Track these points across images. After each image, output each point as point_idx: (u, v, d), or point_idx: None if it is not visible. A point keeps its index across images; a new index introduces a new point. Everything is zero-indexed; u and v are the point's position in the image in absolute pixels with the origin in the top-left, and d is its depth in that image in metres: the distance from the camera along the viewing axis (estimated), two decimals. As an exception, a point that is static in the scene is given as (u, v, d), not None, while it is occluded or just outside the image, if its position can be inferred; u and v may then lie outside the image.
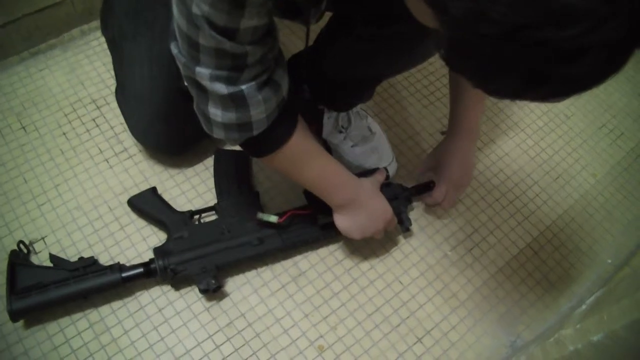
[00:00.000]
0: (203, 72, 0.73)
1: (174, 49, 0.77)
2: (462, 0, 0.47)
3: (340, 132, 1.18)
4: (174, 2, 0.69)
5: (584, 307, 1.13)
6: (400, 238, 1.18)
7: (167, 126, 1.10)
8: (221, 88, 0.74)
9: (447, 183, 1.12)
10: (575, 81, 0.50)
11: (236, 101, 0.76)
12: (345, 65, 0.99)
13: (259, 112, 0.79)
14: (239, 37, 0.69)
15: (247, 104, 0.77)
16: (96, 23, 1.41)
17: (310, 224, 1.08)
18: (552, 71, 0.49)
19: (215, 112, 0.79)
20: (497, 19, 0.46)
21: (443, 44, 0.54)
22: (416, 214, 1.22)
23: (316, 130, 1.19)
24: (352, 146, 1.19)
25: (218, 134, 0.83)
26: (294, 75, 0.85)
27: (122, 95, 1.13)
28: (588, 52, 0.46)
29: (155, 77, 1.05)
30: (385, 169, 1.11)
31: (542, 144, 1.40)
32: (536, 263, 1.21)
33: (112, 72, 1.31)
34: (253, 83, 0.75)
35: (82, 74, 1.34)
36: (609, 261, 1.26)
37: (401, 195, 1.12)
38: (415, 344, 1.08)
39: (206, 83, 0.74)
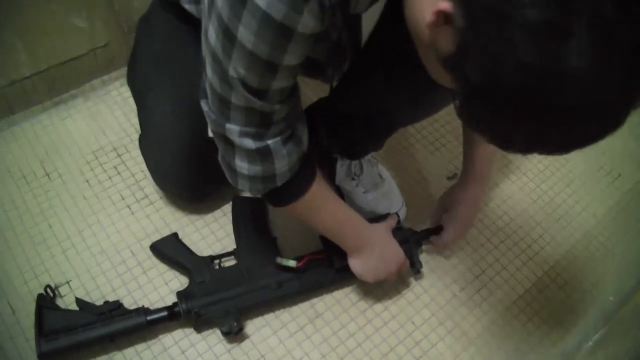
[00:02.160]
0: (233, 129, 0.79)
1: (204, 106, 0.83)
2: (479, 70, 0.54)
3: (353, 179, 1.24)
4: (207, 63, 0.76)
5: (590, 343, 1.17)
6: (412, 280, 1.23)
7: (188, 172, 1.15)
8: (249, 143, 0.80)
9: (455, 229, 1.18)
10: (577, 139, 0.57)
11: (263, 155, 0.82)
12: (361, 115, 1.06)
13: (283, 165, 0.84)
14: (269, 97, 0.75)
15: (272, 158, 0.83)
16: (116, 73, 1.48)
17: (326, 267, 1.13)
18: (556, 131, 0.55)
19: (242, 165, 0.84)
20: (511, 86, 0.52)
21: (458, 101, 0.61)
22: (426, 256, 1.27)
23: (329, 176, 1.25)
24: (364, 192, 1.25)
25: (242, 185, 0.89)
26: (311, 124, 0.91)
27: (145, 141, 1.19)
28: (588, 115, 0.53)
29: (178, 125, 1.10)
30: (397, 214, 1.17)
31: (543, 186, 1.46)
32: (542, 301, 1.26)
33: (132, 121, 1.38)
34: (278, 138, 0.82)
35: (103, 122, 1.40)
36: (612, 298, 1.30)
37: (412, 239, 1.17)
38: (428, 382, 1.12)
39: (235, 138, 0.80)
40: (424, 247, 1.26)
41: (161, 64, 1.12)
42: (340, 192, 1.26)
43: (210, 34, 0.71)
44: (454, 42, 0.56)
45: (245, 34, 0.66)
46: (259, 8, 0.63)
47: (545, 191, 1.45)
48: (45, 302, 1.07)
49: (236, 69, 0.71)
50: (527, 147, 0.59)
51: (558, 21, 0.48)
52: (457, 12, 0.55)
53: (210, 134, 0.89)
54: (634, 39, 0.49)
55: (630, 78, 0.51)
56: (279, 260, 1.10)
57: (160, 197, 1.27)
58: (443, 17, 0.57)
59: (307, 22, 0.65)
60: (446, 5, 0.55)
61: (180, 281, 1.16)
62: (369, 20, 0.83)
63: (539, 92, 0.51)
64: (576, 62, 0.48)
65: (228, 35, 0.68)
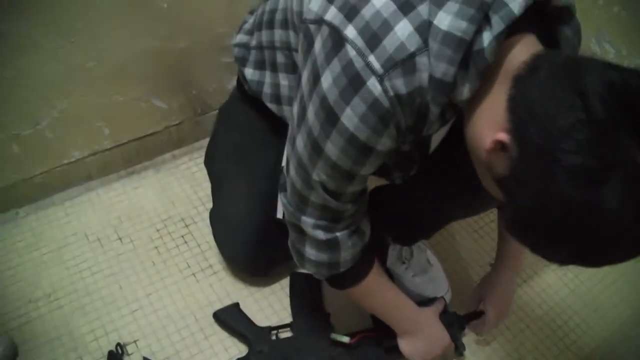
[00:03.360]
0: (307, 221, 0.90)
1: (282, 199, 0.94)
2: (527, 197, 0.65)
3: (403, 262, 1.33)
4: (291, 165, 0.87)
5: None
6: (455, 361, 1.30)
7: (256, 255, 1.26)
8: (320, 234, 0.91)
9: (494, 313, 1.25)
10: (608, 262, 0.67)
11: (331, 246, 0.92)
12: (418, 211, 1.16)
13: (348, 255, 0.95)
14: (343, 198, 0.86)
15: (339, 249, 0.93)
16: (186, 149, 1.62)
17: (376, 346, 1.20)
18: (591, 256, 0.66)
19: (310, 252, 0.95)
20: (554, 216, 0.63)
21: (506, 215, 0.71)
22: (468, 340, 1.33)
23: (381, 258, 1.34)
24: (412, 276, 1.34)
25: (309, 269, 0.99)
26: (369, 209, 1.00)
27: (218, 221, 1.31)
28: (619, 246, 0.62)
29: (252, 212, 1.22)
30: (443, 298, 1.25)
31: (581, 277, 1.53)
32: (578, 391, 1.31)
33: (199, 194, 1.51)
34: (346, 232, 0.92)
35: (172, 194, 1.52)
36: (646, 391, 1.35)
37: (456, 323, 1.25)
38: None
39: (308, 230, 0.91)
40: (465, 330, 1.33)
41: (243, 154, 1.25)
42: (391, 275, 1.34)
43: (299, 142, 0.83)
44: (507, 168, 0.67)
45: (332, 149, 0.78)
46: (348, 130, 0.75)
47: (582, 281, 1.52)
48: (115, 359, 1.17)
49: (319, 174, 0.82)
50: (562, 263, 0.70)
51: (596, 168, 0.58)
52: (512, 144, 0.66)
53: (279, 216, 1.00)
54: None
55: None
56: (334, 336, 1.19)
57: (224, 268, 1.38)
58: (500, 146, 0.67)
59: (385, 142, 0.77)
60: (504, 137, 0.67)
61: (239, 349, 1.24)
62: (437, 135, 0.95)
63: (577, 226, 0.62)
64: (609, 204, 0.58)
65: (316, 148, 0.80)
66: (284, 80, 1.05)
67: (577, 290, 1.50)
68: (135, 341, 1.24)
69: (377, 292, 1.08)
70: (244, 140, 1.24)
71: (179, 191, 1.53)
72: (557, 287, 1.49)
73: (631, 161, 0.58)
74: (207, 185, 1.39)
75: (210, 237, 1.38)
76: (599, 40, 1.64)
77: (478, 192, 0.84)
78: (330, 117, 0.76)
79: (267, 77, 1.09)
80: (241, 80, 1.18)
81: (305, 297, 1.29)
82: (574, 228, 0.63)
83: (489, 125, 0.72)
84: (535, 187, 0.63)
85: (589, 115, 0.59)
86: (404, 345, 1.15)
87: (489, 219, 1.58)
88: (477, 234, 1.56)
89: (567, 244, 0.66)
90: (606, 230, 0.61)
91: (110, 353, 1.18)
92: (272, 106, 1.10)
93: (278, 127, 1.10)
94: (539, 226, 0.67)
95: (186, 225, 1.45)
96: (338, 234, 0.92)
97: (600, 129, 0.58)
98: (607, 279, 1.53)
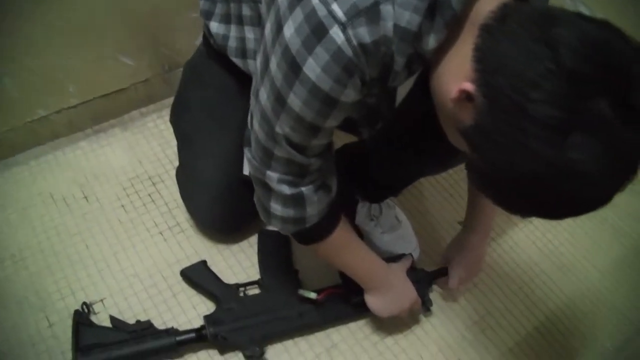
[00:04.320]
0: (272, 176, 0.89)
1: (247, 153, 0.93)
2: (493, 148, 0.64)
3: (372, 220, 1.33)
4: (255, 118, 0.86)
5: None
6: (422, 317, 1.32)
7: (223, 211, 1.25)
8: (285, 189, 0.90)
9: (460, 273, 1.26)
10: (572, 213, 0.68)
11: (296, 200, 0.92)
12: (386, 167, 1.15)
13: (313, 210, 0.94)
14: (308, 151, 0.85)
15: (304, 203, 0.92)
16: (154, 106, 1.58)
17: (343, 301, 1.21)
18: (554, 208, 0.66)
19: (276, 207, 0.94)
20: (520, 169, 0.62)
21: (470, 166, 0.71)
22: (436, 296, 1.35)
23: (349, 216, 1.34)
24: (381, 233, 1.34)
25: (275, 224, 0.98)
26: (338, 167, 1.00)
27: (185, 178, 1.29)
28: (582, 199, 0.63)
29: (220, 170, 1.21)
30: (411, 255, 1.26)
31: (548, 235, 1.55)
32: (543, 345, 1.34)
33: (167, 152, 1.48)
34: (311, 186, 0.91)
35: (139, 152, 1.49)
36: (609, 345, 1.38)
37: (423, 279, 1.26)
38: (433, 415, 1.20)
39: (273, 184, 0.90)
40: (434, 286, 1.34)
41: (210, 111, 1.22)
42: (360, 232, 1.35)
43: (262, 94, 0.82)
44: (473, 119, 0.66)
45: (295, 101, 0.76)
46: (310, 80, 0.73)
47: (550, 240, 1.54)
48: (82, 318, 1.15)
49: (283, 127, 0.81)
50: (525, 215, 0.71)
51: (564, 118, 0.58)
52: (478, 93, 0.65)
53: (246, 172, 0.98)
54: (629, 139, 0.59)
55: (623, 173, 0.62)
56: (301, 292, 1.18)
57: (191, 226, 1.36)
58: (465, 96, 0.67)
59: (349, 94, 0.75)
60: (469, 87, 0.66)
61: (207, 306, 1.24)
62: (403, 88, 0.93)
63: (542, 178, 0.62)
64: (575, 157, 0.58)
65: (279, 99, 0.78)
66: (249, 34, 1.03)
67: (544, 249, 1.52)
68: (102, 300, 1.23)
69: (343, 248, 1.07)
70: (210, 97, 1.21)
71: (147, 149, 1.50)
72: (525, 246, 1.51)
73: (599, 114, 0.58)
74: (175, 144, 1.36)
75: (178, 196, 1.37)
76: (575, 1, 1.64)
77: (446, 148, 0.83)
78: (292, 67, 0.74)
79: (233, 30, 1.06)
80: (207, 35, 1.15)
81: (274, 255, 1.29)
82: (538, 180, 0.62)
83: (455, 75, 0.71)
84: (500, 138, 0.63)
85: (558, 66, 0.58)
86: (371, 300, 1.15)
87: (458, 178, 1.58)
88: (447, 192, 1.57)
89: (530, 196, 0.66)
90: (570, 183, 0.61)
91: (77, 312, 1.17)
92: (237, 61, 1.07)
93: (245, 83, 1.07)
94: (502, 178, 0.66)
95: (154, 184, 1.44)
96: (303, 188, 0.91)
97: (570, 80, 0.58)
98: (574, 239, 1.56)
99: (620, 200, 1.60)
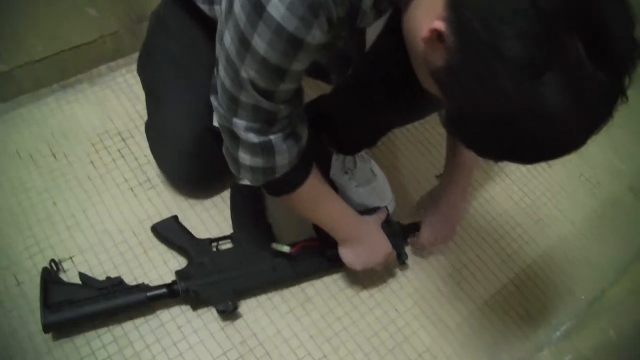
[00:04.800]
0: (239, 124, 0.86)
1: (213, 101, 0.90)
2: (463, 90, 0.62)
3: (346, 173, 1.31)
4: (220, 64, 0.82)
5: (557, 333, 1.27)
6: (397, 270, 1.31)
7: (192, 164, 1.22)
8: (253, 137, 0.87)
9: (433, 229, 1.25)
10: (544, 157, 0.67)
11: (265, 149, 0.89)
12: (359, 117, 1.13)
13: (283, 159, 0.91)
14: (275, 97, 0.82)
15: (273, 152, 0.90)
16: (123, 61, 1.53)
17: (318, 255, 1.20)
18: (526, 152, 0.64)
19: (244, 157, 0.91)
20: (490, 110, 0.60)
21: (443, 110, 0.68)
22: (410, 249, 1.34)
23: (324, 169, 1.31)
24: (356, 186, 1.32)
25: (244, 175, 0.96)
26: (309, 119, 0.97)
27: (154, 132, 1.25)
28: (555, 142, 0.61)
29: (189, 122, 1.17)
30: (386, 208, 1.24)
31: (525, 189, 1.54)
32: (518, 297, 1.34)
33: (137, 107, 1.44)
34: (280, 134, 0.88)
35: (108, 107, 1.45)
36: (583, 297, 1.39)
37: (398, 232, 1.25)
38: (408, 366, 1.20)
39: (240, 132, 0.87)
40: (409, 240, 1.34)
41: (178, 62, 1.18)
42: (334, 185, 1.32)
43: (226, 37, 0.78)
44: (443, 59, 0.64)
45: (259, 42, 0.73)
46: (274, 20, 0.70)
47: (526, 193, 1.54)
48: (50, 275, 1.13)
49: (248, 71, 0.78)
50: (498, 159, 0.68)
51: (535, 58, 0.56)
52: (449, 32, 0.62)
53: (215, 124, 0.95)
54: (603, 82, 0.57)
55: (595, 116, 0.60)
56: (274, 245, 1.17)
57: (162, 182, 1.33)
58: (436, 35, 0.64)
59: (315, 35, 0.72)
60: (440, 25, 0.63)
61: (178, 261, 1.22)
62: (372, 30, 0.90)
63: (514, 119, 0.60)
64: (547, 98, 0.56)
65: (243, 41, 0.75)
66: None
67: (520, 203, 1.52)
68: (71, 257, 1.20)
69: (315, 200, 1.05)
70: (177, 48, 1.17)
71: (116, 104, 1.46)
72: (501, 199, 1.51)
73: (572, 56, 0.56)
74: (145, 98, 1.32)
75: (148, 151, 1.33)
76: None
77: (419, 93, 0.81)
78: (256, 7, 0.71)
79: None
80: (173, -19, 1.10)
81: (247, 208, 1.27)
82: (510, 121, 0.60)
83: (426, 15, 0.68)
84: (472, 79, 0.60)
85: (533, 3, 0.55)
86: (345, 253, 1.14)
87: (435, 132, 1.57)
88: (423, 146, 1.55)
89: (502, 139, 0.64)
90: (542, 124, 0.59)
91: (44, 270, 1.14)
92: (204, 7, 1.03)
93: (212, 33, 1.03)
94: (475, 121, 0.64)
95: (123, 139, 1.40)
96: (272, 137, 0.88)
97: (543, 18, 0.55)
98: (550, 192, 1.56)
99: (596, 154, 1.61)
